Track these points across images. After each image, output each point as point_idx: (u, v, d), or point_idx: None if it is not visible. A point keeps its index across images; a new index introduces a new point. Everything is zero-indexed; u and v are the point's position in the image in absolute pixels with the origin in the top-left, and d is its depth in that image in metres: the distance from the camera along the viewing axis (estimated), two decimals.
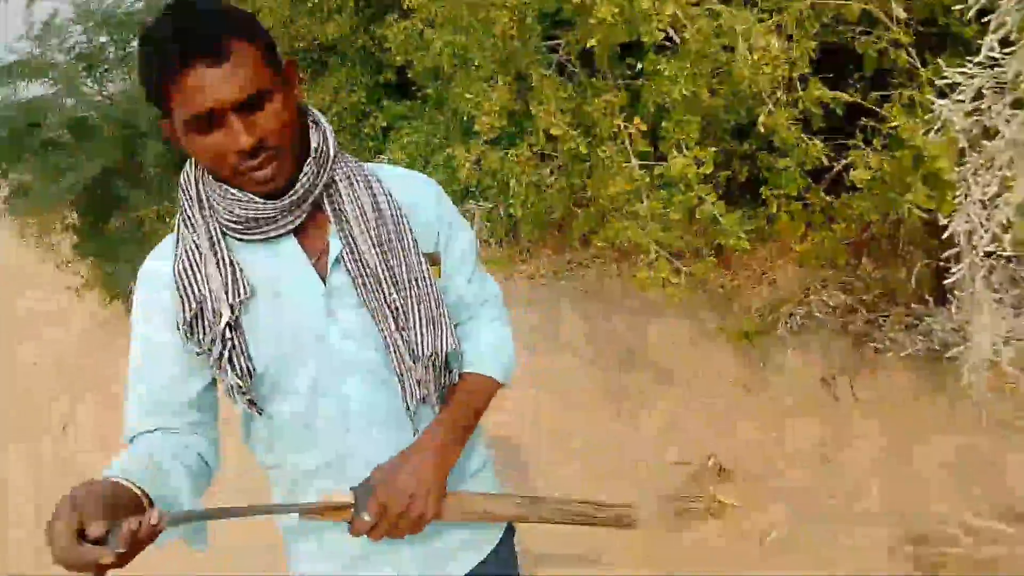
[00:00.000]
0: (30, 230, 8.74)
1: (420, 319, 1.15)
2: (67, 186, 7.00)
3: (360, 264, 1.13)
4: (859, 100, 2.22)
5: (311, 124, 1.13)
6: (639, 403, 3.41)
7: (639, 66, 2.35)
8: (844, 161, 2.34)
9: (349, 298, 1.14)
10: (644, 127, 2.29)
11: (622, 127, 2.29)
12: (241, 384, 1.11)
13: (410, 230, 1.16)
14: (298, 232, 1.13)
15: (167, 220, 7.00)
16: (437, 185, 1.28)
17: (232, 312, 1.09)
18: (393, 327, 1.14)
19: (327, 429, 1.18)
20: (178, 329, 1.10)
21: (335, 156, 1.14)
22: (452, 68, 3.16)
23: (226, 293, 1.08)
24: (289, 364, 1.14)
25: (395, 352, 1.14)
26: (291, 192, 1.08)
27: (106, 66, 7.56)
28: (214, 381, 1.17)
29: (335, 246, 1.13)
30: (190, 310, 1.09)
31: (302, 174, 1.09)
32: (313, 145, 1.11)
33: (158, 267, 1.15)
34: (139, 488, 0.95)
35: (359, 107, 5.60)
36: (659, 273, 2.14)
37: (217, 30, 0.99)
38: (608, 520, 1.26)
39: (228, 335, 1.09)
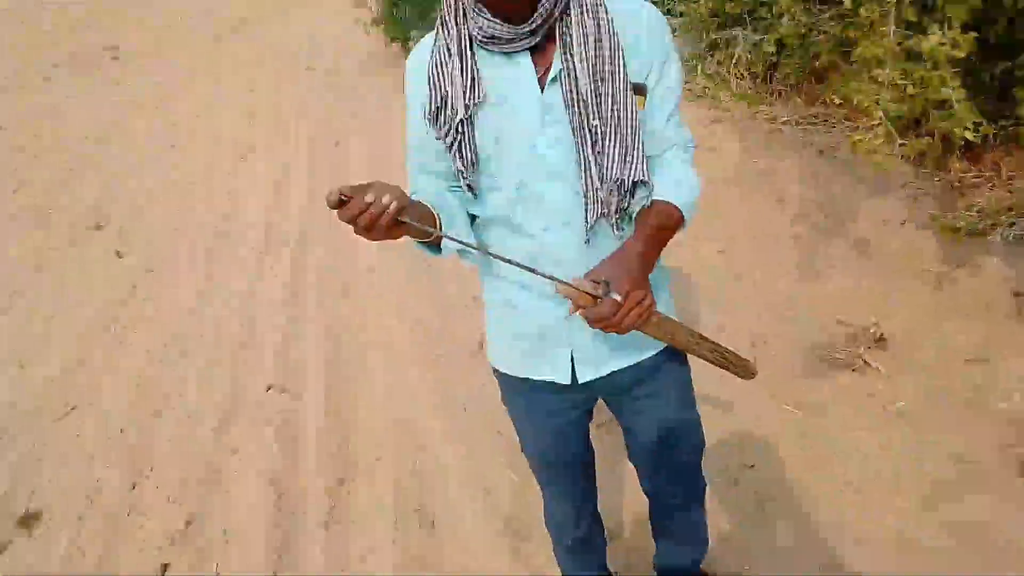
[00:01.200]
0: None
1: (615, 145, 1.27)
2: None
3: (573, 85, 1.26)
4: None
5: None
6: (827, 264, 3.58)
7: None
8: None
9: (560, 114, 1.28)
10: None
11: None
12: (464, 170, 1.33)
13: (623, 64, 1.26)
14: (535, 50, 1.29)
15: None
16: (662, 19, 1.34)
17: (466, 111, 1.29)
18: (589, 149, 1.27)
19: (526, 224, 1.37)
20: (425, 117, 1.34)
21: None
22: None
23: (464, 93, 1.28)
24: (504, 162, 1.33)
25: (586, 171, 1.28)
26: (529, 21, 1.23)
27: None
28: None
29: (556, 66, 1.27)
30: (435, 103, 1.31)
31: (540, 4, 1.23)
32: None
33: (418, 63, 1.36)
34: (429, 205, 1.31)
35: None
36: (875, 140, 2.28)
37: None
38: (740, 368, 1.49)
39: (461, 129, 1.30)
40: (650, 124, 1.35)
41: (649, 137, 1.35)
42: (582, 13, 1.27)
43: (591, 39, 1.26)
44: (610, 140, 1.27)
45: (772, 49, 3.25)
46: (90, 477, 3.19)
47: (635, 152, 1.29)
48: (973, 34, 2.20)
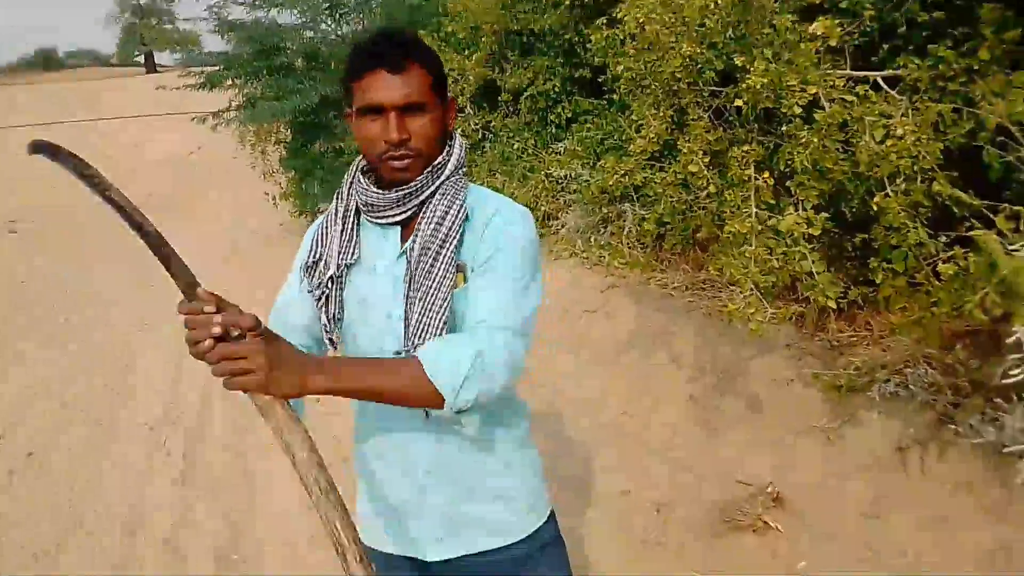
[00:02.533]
0: (248, 139, 9.95)
1: (417, 314, 1.34)
2: (290, 107, 7.95)
3: (408, 261, 1.36)
4: (973, 202, 2.41)
5: (447, 146, 1.40)
6: (723, 423, 3.71)
7: (782, 128, 2.64)
8: (950, 252, 2.53)
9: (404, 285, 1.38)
10: (771, 181, 2.59)
11: (752, 177, 2.60)
12: (327, 325, 1.43)
13: (453, 244, 1.34)
14: (406, 225, 1.40)
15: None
16: (520, 216, 1.40)
17: (337, 268, 1.41)
18: (414, 318, 1.35)
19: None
20: (299, 269, 1.46)
21: (450, 175, 1.38)
22: (630, 87, 3.53)
23: (339, 253, 1.41)
24: (365, 326, 1.43)
25: (406, 328, 1.36)
26: (400, 189, 1.34)
27: (345, 8, 8.45)
28: None
29: (408, 243, 1.38)
30: (312, 257, 1.44)
31: (415, 181, 1.35)
32: (435, 162, 1.36)
33: (313, 228, 1.50)
34: None
35: (552, 95, 6.07)
36: (748, 309, 2.45)
37: (403, 53, 1.30)
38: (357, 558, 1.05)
39: (329, 285, 1.41)
40: (468, 305, 1.35)
41: (468, 318, 1.35)
42: (443, 196, 1.37)
43: (434, 220, 1.35)
44: (418, 308, 1.34)
45: (654, 227, 3.51)
46: None
47: (439, 319, 1.32)
48: (824, 214, 2.44)
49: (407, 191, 1.36)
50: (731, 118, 3.02)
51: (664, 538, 3.06)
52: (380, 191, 1.38)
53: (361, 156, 1.45)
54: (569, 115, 5.93)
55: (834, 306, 2.42)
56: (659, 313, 4.72)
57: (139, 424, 4.82)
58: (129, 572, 3.40)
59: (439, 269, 1.34)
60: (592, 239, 5.44)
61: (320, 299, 1.43)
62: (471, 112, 6.76)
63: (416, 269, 1.34)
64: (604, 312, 5.03)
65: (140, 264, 8.44)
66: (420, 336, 1.33)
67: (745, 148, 2.61)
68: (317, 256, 1.44)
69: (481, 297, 1.32)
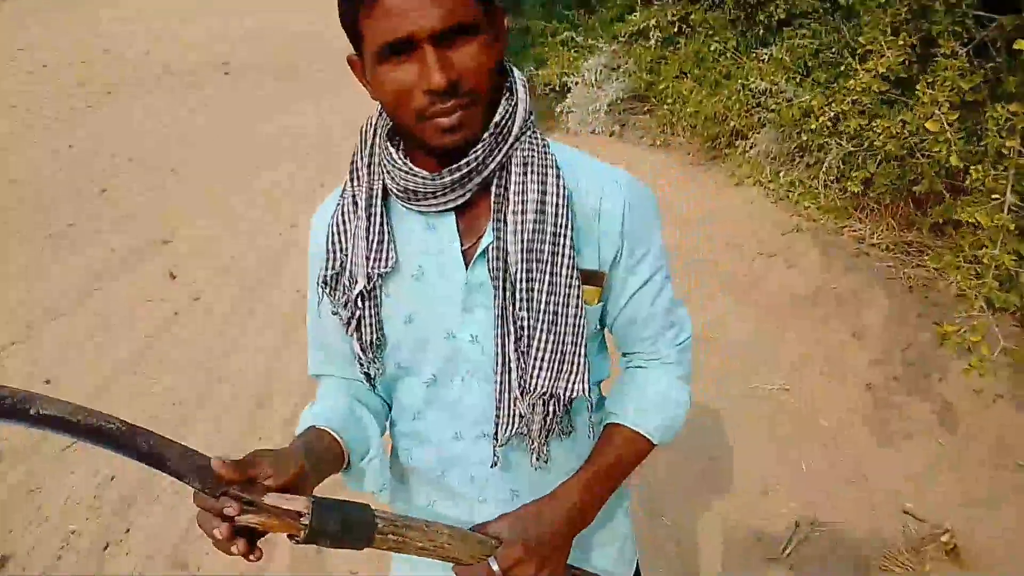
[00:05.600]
0: None
1: (543, 348, 0.99)
2: None
3: (501, 265, 0.98)
4: None
5: (506, 90, 0.98)
6: (903, 429, 3.04)
7: None
8: None
9: (487, 298, 1.01)
10: None
11: (1017, 152, 1.86)
12: (362, 356, 1.06)
13: (570, 243, 0.98)
14: (462, 210, 1.01)
15: (548, 37, 7.20)
16: (640, 189, 1.07)
17: (369, 281, 1.01)
18: (511, 346, 0.99)
19: (437, 429, 1.11)
20: (319, 284, 1.06)
21: (520, 134, 0.98)
22: None
23: (367, 259, 1.01)
24: (415, 351, 1.07)
25: (504, 373, 1.00)
26: (456, 167, 0.94)
27: None
28: None
29: (487, 238, 1.00)
30: (332, 269, 1.04)
31: (473, 148, 0.94)
32: (496, 118, 0.95)
33: (323, 218, 1.09)
34: (339, 437, 1.01)
35: None
36: (972, 336, 1.79)
37: None
38: None
39: (360, 303, 1.03)
40: (624, 315, 1.10)
41: (623, 332, 1.13)
42: (526, 172, 0.97)
43: (531, 206, 0.96)
44: (540, 339, 0.98)
45: (861, 173, 2.79)
46: (63, 528, 2.89)
47: (574, 359, 1.00)
48: None
49: (470, 168, 0.94)
50: (999, 61, 2.20)
51: (791, 559, 2.53)
52: (422, 173, 0.96)
53: (379, 113, 1.02)
54: (783, 15, 5.00)
55: None
56: (850, 273, 3.97)
57: (285, 298, 4.74)
58: (252, 440, 3.34)
59: (561, 278, 0.98)
60: (783, 169, 4.65)
61: (350, 322, 1.04)
62: (668, 1, 5.92)
63: (520, 278, 0.97)
64: (783, 259, 4.32)
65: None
66: (564, 379, 1.00)
67: (1013, 108, 1.85)
68: (339, 265, 1.05)
69: (635, 303, 1.08)
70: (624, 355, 1.18)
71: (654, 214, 1.09)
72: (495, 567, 0.99)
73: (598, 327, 1.11)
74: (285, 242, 5.42)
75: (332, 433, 1.01)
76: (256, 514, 0.81)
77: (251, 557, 0.82)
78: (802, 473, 2.91)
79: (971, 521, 2.54)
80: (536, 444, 1.03)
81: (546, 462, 1.05)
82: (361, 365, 1.07)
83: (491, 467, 1.06)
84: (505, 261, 0.98)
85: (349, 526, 0.88)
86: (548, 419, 1.01)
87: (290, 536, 0.85)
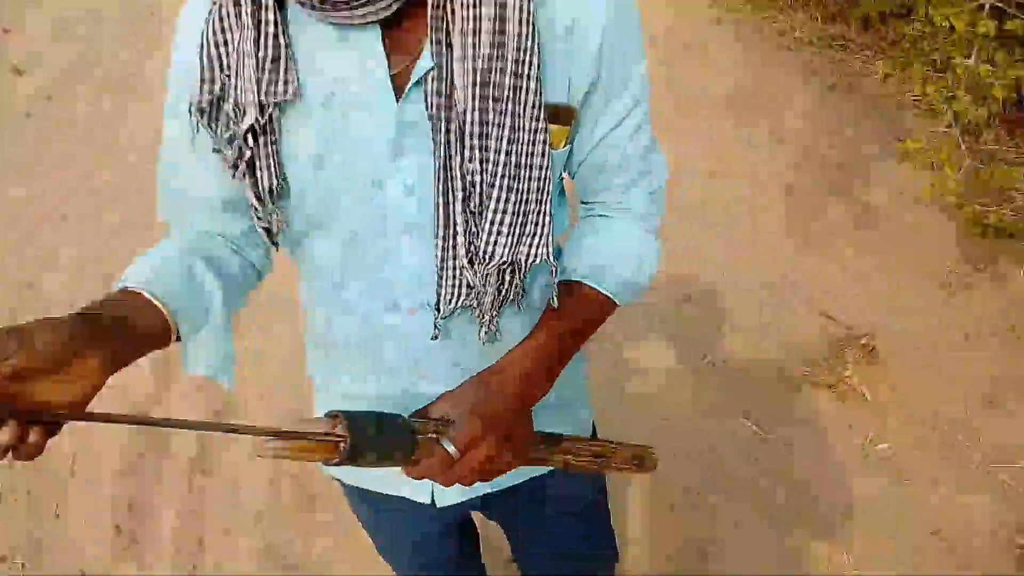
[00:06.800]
0: None
1: (501, 209, 0.79)
2: None
3: (444, 99, 0.77)
4: None
5: None
6: (823, 231, 2.99)
7: None
8: None
9: (425, 138, 0.79)
10: None
11: None
12: (259, 207, 0.82)
13: (537, 74, 0.75)
14: (388, 25, 0.77)
15: None
16: (627, 1, 0.82)
17: (262, 111, 0.77)
18: (458, 204, 0.79)
19: (364, 299, 0.90)
20: (191, 111, 0.79)
21: None
22: None
23: (258, 83, 0.76)
24: (327, 202, 0.83)
25: (446, 237, 0.80)
26: None
27: None
28: None
29: (424, 62, 0.77)
30: (209, 92, 0.78)
31: None
32: None
33: (194, 18, 0.81)
34: (161, 303, 0.76)
35: None
36: (936, 153, 1.62)
37: None
38: (636, 467, 1.05)
39: (249, 143, 0.78)
40: (594, 155, 0.88)
41: (588, 174, 0.90)
42: None
43: (485, 24, 0.74)
44: (498, 199, 0.78)
45: None
46: None
47: (538, 218, 0.81)
48: None
49: None
50: None
51: (721, 382, 2.49)
52: None
53: None
54: None
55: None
56: (770, 69, 3.79)
57: None
58: None
59: (524, 119, 0.76)
60: None
61: (238, 163, 0.79)
62: None
63: (470, 118, 0.76)
64: (701, 56, 4.06)
65: None
66: (526, 243, 0.81)
67: None
68: (216, 87, 0.78)
69: (609, 142, 0.86)
70: (584, 203, 0.97)
71: (638, 32, 0.84)
72: (451, 449, 0.80)
73: (562, 174, 0.89)
74: None
75: (149, 297, 0.76)
76: (281, 443, 0.70)
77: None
78: (721, 278, 2.84)
79: (891, 325, 2.55)
80: (487, 317, 0.85)
81: (496, 334, 0.87)
82: (259, 219, 0.84)
83: (431, 340, 0.86)
84: (449, 97, 0.76)
85: (384, 429, 0.76)
86: (504, 289, 0.83)
87: (325, 462, 0.73)
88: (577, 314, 0.90)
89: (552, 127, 0.80)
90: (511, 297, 0.85)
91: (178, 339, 0.80)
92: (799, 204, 3.12)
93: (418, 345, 0.89)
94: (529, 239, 0.81)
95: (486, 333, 0.86)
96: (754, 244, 3.00)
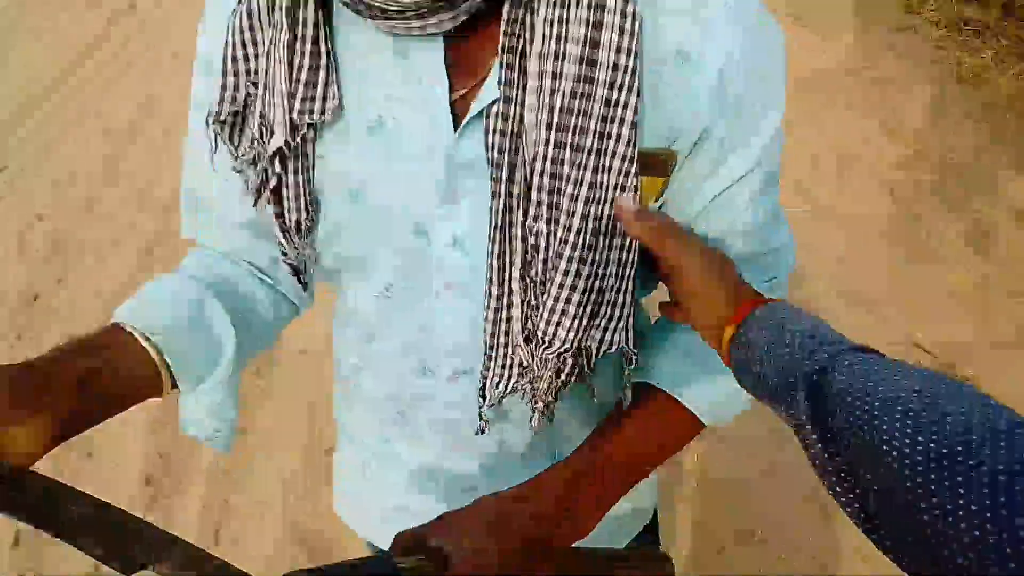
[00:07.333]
0: None
1: (567, 282, 0.61)
2: None
3: (511, 139, 0.60)
4: None
5: None
6: (928, 248, 2.71)
7: None
8: None
9: (483, 182, 0.63)
10: None
11: None
12: (284, 243, 0.68)
13: (633, 118, 0.58)
14: (454, 37, 0.60)
15: None
16: (761, 27, 0.62)
17: (293, 133, 0.62)
18: (514, 272, 0.64)
19: (395, 358, 0.76)
20: (206, 122, 0.65)
21: None
22: None
23: (290, 99, 0.61)
24: (363, 242, 0.69)
25: (496, 311, 0.65)
26: None
27: None
28: None
29: (489, 91, 0.60)
30: (230, 103, 0.64)
31: None
32: None
33: (222, 6, 0.66)
34: (154, 347, 0.63)
35: None
36: None
37: None
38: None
39: (276, 168, 0.64)
40: (697, 226, 0.69)
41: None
42: None
43: (573, 50, 0.57)
44: (565, 270, 0.62)
45: None
46: None
47: (617, 297, 0.65)
48: None
49: None
50: None
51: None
52: None
53: None
54: None
55: None
56: (889, 51, 3.49)
57: None
58: None
59: (608, 178, 0.60)
60: None
61: (259, 192, 0.66)
62: None
63: (540, 177, 0.60)
64: (803, 24, 3.71)
65: None
66: (598, 325, 0.64)
67: None
68: (239, 96, 0.64)
69: (720, 214, 0.67)
70: None
71: (780, 71, 0.65)
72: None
73: None
74: None
75: (139, 337, 0.63)
76: None
77: None
78: (799, 291, 2.61)
79: (991, 363, 2.30)
80: (542, 403, 0.69)
81: (551, 421, 0.71)
82: (283, 256, 0.70)
83: (476, 435, 0.72)
84: (516, 136, 0.60)
85: None
86: (565, 376, 0.66)
87: None
88: (649, 430, 0.73)
89: (642, 178, 0.62)
90: (572, 382, 0.69)
91: (175, 387, 0.67)
92: (900, 210, 2.84)
93: (455, 416, 0.75)
94: (603, 321, 0.65)
95: (539, 419, 0.71)
96: (846, 251, 2.74)
